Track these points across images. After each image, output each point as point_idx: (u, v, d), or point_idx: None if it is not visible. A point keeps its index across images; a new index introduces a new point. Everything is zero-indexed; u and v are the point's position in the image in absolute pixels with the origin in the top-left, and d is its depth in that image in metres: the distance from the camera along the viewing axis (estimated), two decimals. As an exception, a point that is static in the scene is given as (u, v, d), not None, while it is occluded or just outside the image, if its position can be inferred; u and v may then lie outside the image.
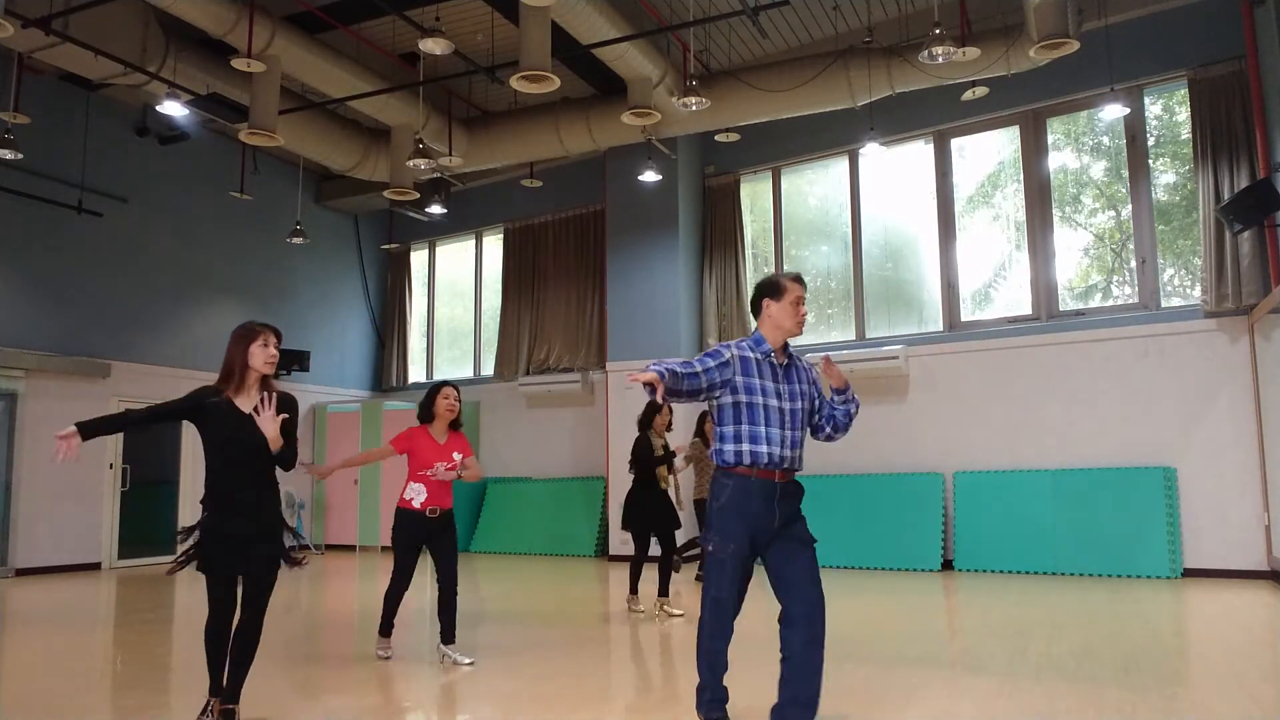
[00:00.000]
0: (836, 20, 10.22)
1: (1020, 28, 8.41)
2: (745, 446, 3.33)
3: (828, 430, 3.54)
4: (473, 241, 14.30)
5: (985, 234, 10.29)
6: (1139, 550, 8.48)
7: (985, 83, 8.82)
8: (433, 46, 7.50)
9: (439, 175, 11.70)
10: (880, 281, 10.85)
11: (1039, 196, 9.83)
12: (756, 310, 3.52)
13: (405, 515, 5.11)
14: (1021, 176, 9.98)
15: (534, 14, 7.74)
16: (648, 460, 6.95)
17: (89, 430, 3.44)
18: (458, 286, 14.57)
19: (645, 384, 3.15)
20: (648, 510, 6.96)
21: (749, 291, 9.10)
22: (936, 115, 10.22)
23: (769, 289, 3.49)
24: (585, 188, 12.77)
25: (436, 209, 12.52)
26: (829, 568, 9.77)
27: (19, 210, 10.17)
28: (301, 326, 13.48)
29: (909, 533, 9.60)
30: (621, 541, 9.11)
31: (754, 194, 11.82)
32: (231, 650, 3.61)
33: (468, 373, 14.01)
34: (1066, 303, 9.68)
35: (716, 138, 10.54)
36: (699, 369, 3.31)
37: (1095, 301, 9.60)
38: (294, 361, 12.86)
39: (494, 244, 14.03)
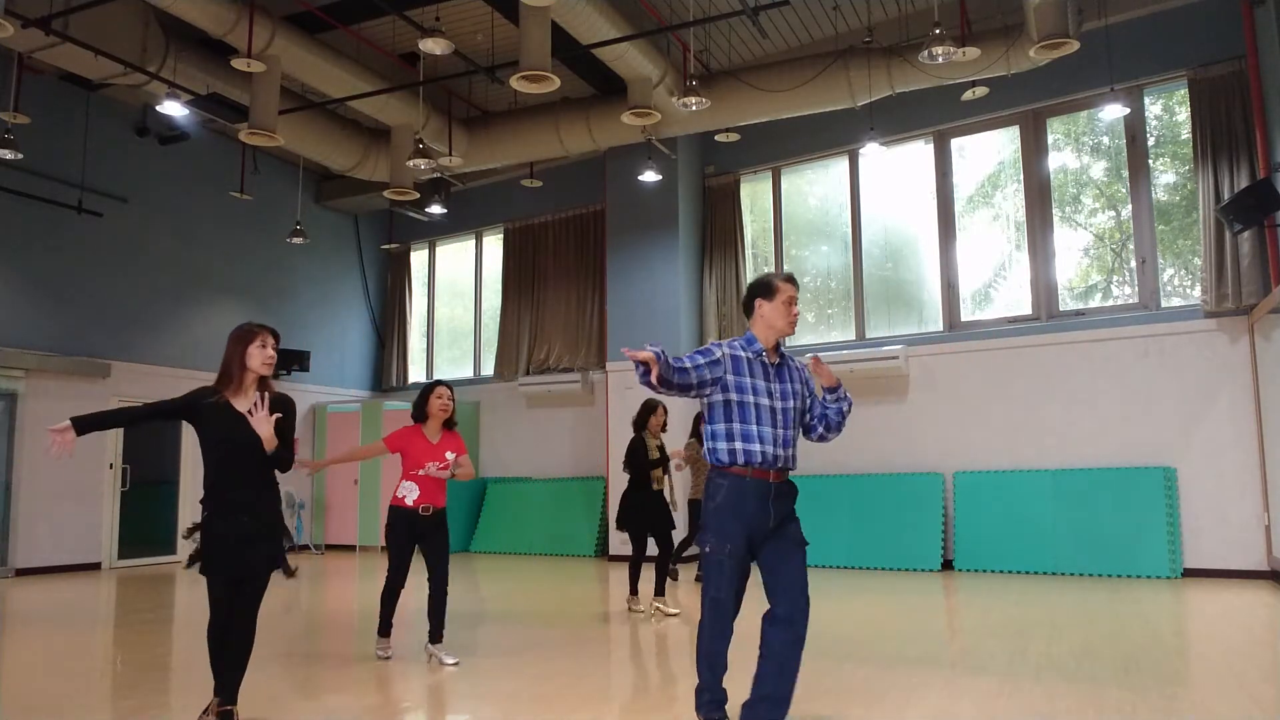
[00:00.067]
0: (836, 20, 10.22)
1: (1020, 28, 8.41)
2: (738, 445, 3.33)
3: (820, 430, 3.55)
4: (473, 241, 14.30)
5: (985, 234, 10.29)
6: (1139, 550, 8.48)
7: (985, 83, 8.82)
8: (433, 46, 7.50)
9: (439, 175, 11.70)
10: (880, 281, 10.85)
11: (1039, 196, 9.83)
12: (749, 310, 3.53)
13: (398, 513, 5.12)
14: (1021, 176, 9.98)
15: (534, 14, 7.74)
16: (642, 461, 6.96)
17: (83, 425, 3.45)
18: (458, 286, 14.57)
19: (640, 361, 3.14)
20: (644, 511, 6.97)
21: (749, 291, 9.09)
22: (936, 115, 10.22)
23: (761, 289, 3.50)
24: (585, 188, 12.77)
25: (436, 209, 12.52)
26: (829, 568, 9.78)
27: (19, 210, 10.17)
28: (301, 326, 13.48)
29: (909, 533, 9.60)
30: (621, 542, 9.12)
31: (754, 194, 11.82)
32: (226, 651, 3.62)
33: (468, 373, 14.01)
34: (1066, 303, 9.68)
35: (716, 138, 10.54)
36: (688, 365, 3.31)
37: (1095, 301, 9.61)
38: (294, 361, 12.87)
39: (494, 244, 14.03)
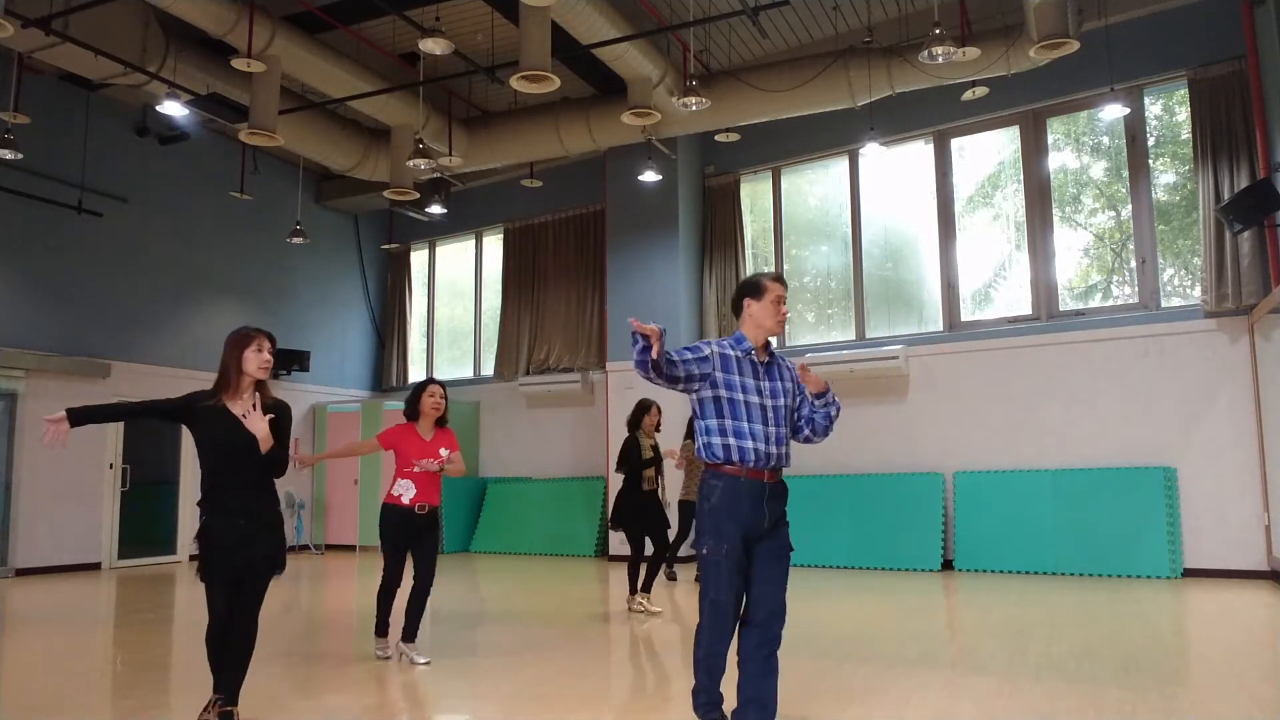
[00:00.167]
0: (836, 20, 10.22)
1: (1020, 28, 8.41)
2: (731, 441, 3.34)
3: (806, 432, 3.55)
4: (473, 241, 14.30)
5: (985, 234, 10.29)
6: (1139, 550, 8.48)
7: (985, 83, 8.82)
8: (433, 46, 7.50)
9: (439, 175, 11.70)
10: (880, 281, 10.85)
11: (1039, 196, 9.83)
12: (737, 310, 3.54)
13: (393, 511, 5.13)
14: (1021, 176, 9.98)
15: (534, 14, 7.74)
16: (637, 461, 6.97)
17: (78, 417, 3.47)
18: (458, 286, 14.57)
19: (643, 335, 3.14)
20: (639, 511, 6.98)
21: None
22: (936, 115, 10.22)
23: (749, 289, 3.52)
24: (585, 188, 12.77)
25: (436, 209, 12.52)
26: (829, 568, 9.78)
27: (19, 210, 10.17)
28: (301, 326, 13.48)
29: (909, 533, 9.60)
30: (620, 542, 9.12)
31: (754, 194, 11.82)
32: (227, 652, 3.62)
33: (468, 373, 14.01)
34: (1066, 303, 9.68)
35: (716, 138, 10.54)
36: (676, 359, 3.32)
37: (1095, 301, 9.61)
38: (294, 361, 12.87)
39: (494, 244, 14.03)
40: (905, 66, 8.98)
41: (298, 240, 11.79)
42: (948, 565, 9.45)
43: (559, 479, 12.56)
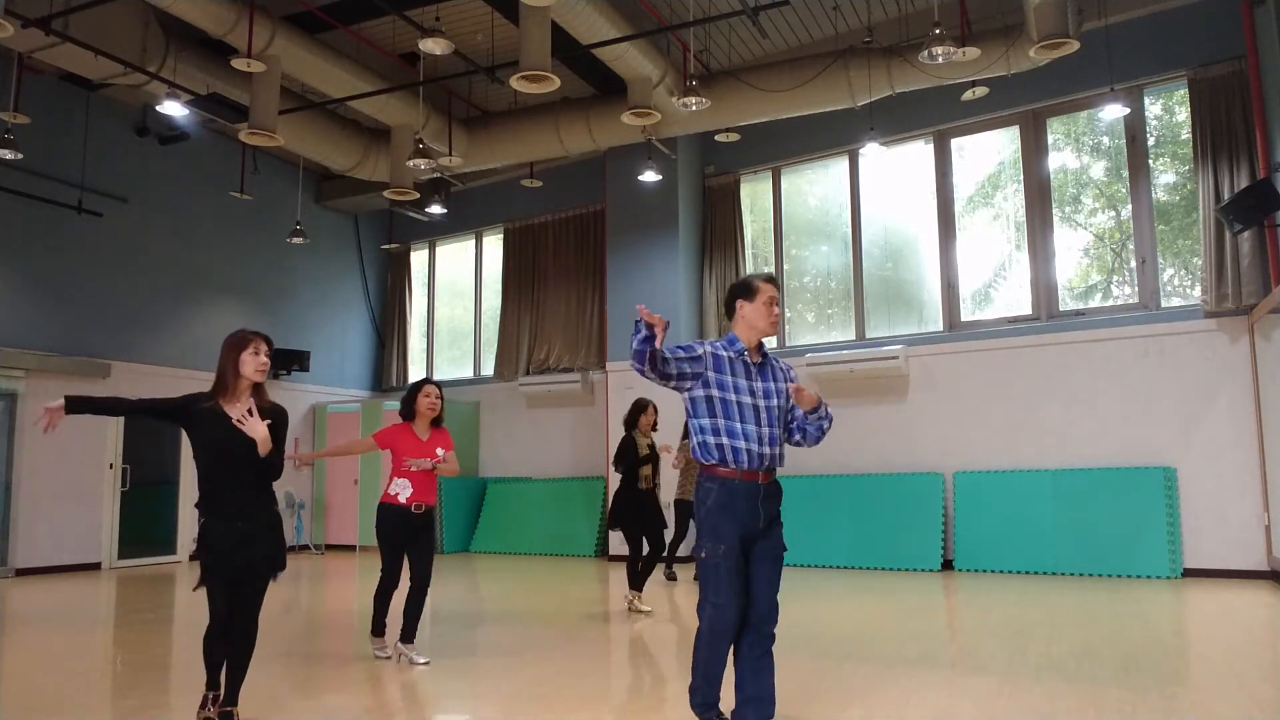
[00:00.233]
0: (836, 20, 10.22)
1: (1020, 28, 8.41)
2: (724, 440, 3.35)
3: (797, 437, 3.56)
4: (473, 241, 14.30)
5: (985, 234, 10.29)
6: (1139, 550, 8.48)
7: (985, 83, 8.82)
8: (433, 46, 7.50)
9: (439, 175, 11.70)
10: (880, 281, 10.85)
11: (1039, 196, 9.83)
12: (730, 311, 3.55)
13: (390, 511, 5.13)
14: (1021, 176, 9.98)
15: (534, 14, 7.74)
16: (633, 460, 6.97)
17: (75, 405, 3.50)
18: (458, 286, 14.56)
19: (647, 324, 3.17)
20: (636, 510, 6.98)
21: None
22: (936, 115, 10.22)
23: (741, 290, 3.52)
24: (585, 188, 12.77)
25: (436, 209, 12.52)
26: (829, 568, 9.78)
27: (19, 210, 10.17)
28: (301, 326, 13.48)
29: (909, 533, 9.60)
30: (620, 542, 9.12)
31: (754, 194, 11.82)
32: (227, 654, 3.62)
33: (468, 373, 14.01)
34: (1066, 303, 9.68)
35: (716, 138, 10.54)
36: (669, 356, 3.34)
37: (1095, 301, 9.61)
38: (294, 361, 12.87)
39: (494, 244, 14.03)
40: (905, 66, 8.98)
41: (298, 240, 11.79)
42: (948, 565, 9.45)
43: (559, 479, 12.56)
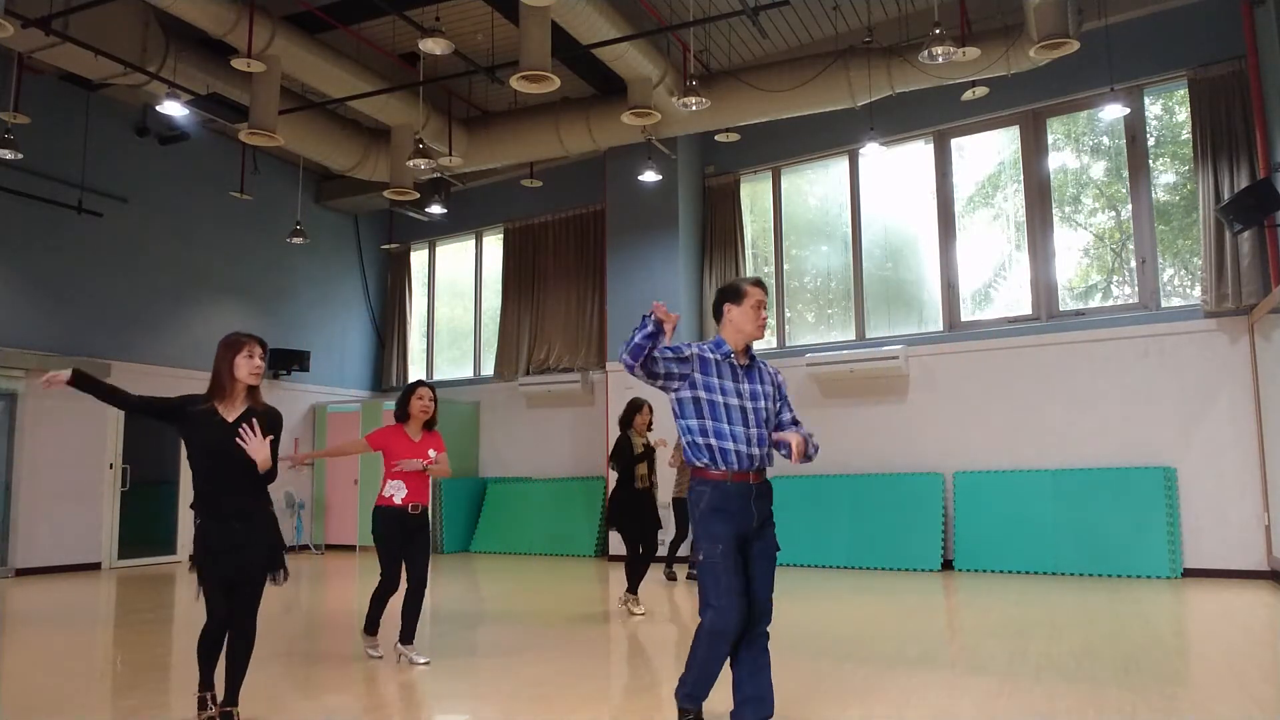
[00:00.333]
0: (836, 20, 10.22)
1: (1020, 28, 8.41)
2: (712, 441, 3.38)
3: (784, 452, 3.55)
4: (473, 241, 14.30)
5: (985, 234, 10.29)
6: (1139, 550, 8.48)
7: (985, 83, 8.82)
8: (433, 46, 7.50)
9: (439, 175, 11.70)
10: (880, 281, 10.84)
11: (1039, 196, 9.83)
12: (718, 314, 3.57)
13: (386, 512, 5.13)
14: (1021, 176, 9.98)
15: (534, 14, 7.74)
16: (629, 459, 6.98)
17: (80, 380, 3.55)
18: (458, 286, 14.56)
19: (656, 320, 3.21)
20: (634, 509, 6.99)
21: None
22: (936, 115, 10.22)
23: (729, 293, 3.54)
24: (585, 188, 12.77)
25: (436, 209, 12.52)
26: (829, 568, 9.78)
27: (19, 210, 10.17)
28: (301, 326, 13.48)
29: (909, 533, 9.60)
30: (620, 542, 9.14)
31: (754, 194, 11.82)
32: (227, 655, 3.63)
33: (468, 373, 14.01)
34: (1066, 303, 9.68)
35: (716, 138, 10.54)
36: (658, 356, 3.36)
37: (1095, 301, 9.61)
38: (294, 361, 12.87)
39: (494, 244, 14.02)
40: (905, 66, 8.98)
41: (298, 240, 11.79)
42: (948, 565, 9.45)
43: (559, 479, 12.56)
